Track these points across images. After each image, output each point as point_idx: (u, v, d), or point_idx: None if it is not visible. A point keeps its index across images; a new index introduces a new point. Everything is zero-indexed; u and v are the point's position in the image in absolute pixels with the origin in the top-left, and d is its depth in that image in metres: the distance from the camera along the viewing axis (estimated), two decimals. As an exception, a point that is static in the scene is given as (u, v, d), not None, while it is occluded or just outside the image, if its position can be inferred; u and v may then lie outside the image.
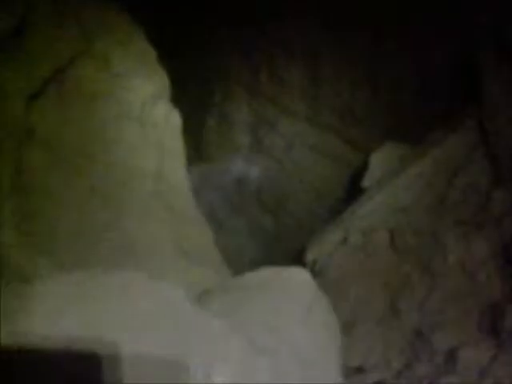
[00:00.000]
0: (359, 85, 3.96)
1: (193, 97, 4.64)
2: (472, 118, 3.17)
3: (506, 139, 2.99)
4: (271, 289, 1.91)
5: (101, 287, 1.45)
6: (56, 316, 1.47)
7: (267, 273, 2.01)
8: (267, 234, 4.13)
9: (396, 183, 3.17)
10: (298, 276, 2.02)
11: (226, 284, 2.01)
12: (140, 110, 2.55)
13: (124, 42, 2.73)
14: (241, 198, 4.16)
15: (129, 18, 2.85)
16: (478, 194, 2.97)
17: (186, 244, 2.22)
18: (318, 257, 3.25)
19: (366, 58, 3.88)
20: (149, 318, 1.40)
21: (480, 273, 2.74)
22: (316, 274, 3.20)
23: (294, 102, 4.15)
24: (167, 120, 2.63)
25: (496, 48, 3.12)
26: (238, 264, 3.18)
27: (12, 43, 2.44)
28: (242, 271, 2.48)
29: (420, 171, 3.14)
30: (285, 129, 4.19)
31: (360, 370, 2.74)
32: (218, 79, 4.50)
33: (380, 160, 3.44)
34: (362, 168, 3.57)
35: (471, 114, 3.20)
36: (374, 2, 3.76)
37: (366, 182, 3.43)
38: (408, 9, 3.62)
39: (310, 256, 3.31)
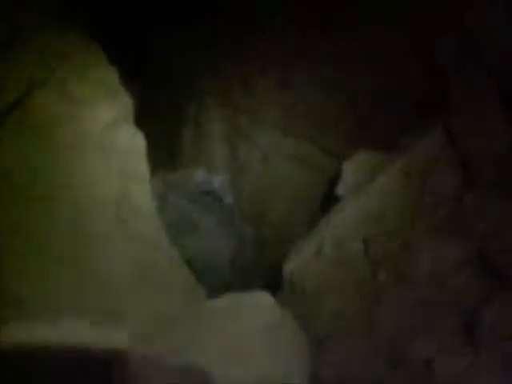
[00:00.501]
0: (333, 93, 3.96)
1: (168, 110, 4.63)
2: (442, 125, 3.16)
3: (474, 142, 2.99)
4: (234, 315, 1.91)
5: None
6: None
7: (232, 299, 2.01)
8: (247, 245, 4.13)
9: (367, 191, 3.16)
10: (262, 301, 2.02)
11: (190, 312, 2.00)
12: (101, 136, 2.54)
13: (84, 66, 2.72)
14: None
15: (89, 42, 2.84)
16: (450, 200, 2.96)
17: (150, 271, 2.21)
18: (295, 268, 3.25)
19: (339, 67, 3.88)
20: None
21: (454, 279, 2.73)
22: (294, 285, 3.20)
23: (268, 112, 4.15)
24: (130, 144, 2.62)
25: (459, 50, 3.12)
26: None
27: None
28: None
29: (391, 178, 3.13)
30: (260, 139, 4.19)
31: (338, 382, 2.73)
32: (193, 92, 4.49)
33: (353, 167, 3.44)
34: (337, 176, 3.56)
35: (441, 120, 3.19)
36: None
37: (340, 191, 3.42)
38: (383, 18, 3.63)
39: (287, 267, 3.30)
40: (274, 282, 3.42)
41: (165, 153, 3.96)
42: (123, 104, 2.70)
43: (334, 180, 3.77)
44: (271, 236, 4.13)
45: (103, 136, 2.51)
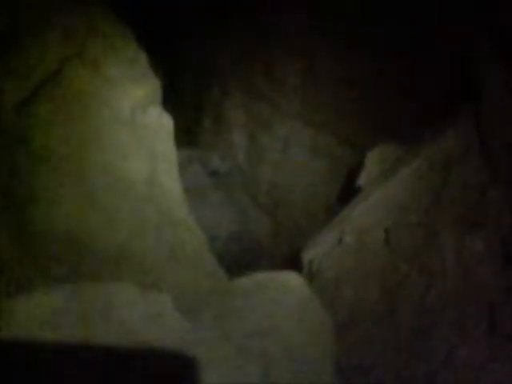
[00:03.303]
0: (355, 84, 3.95)
1: (189, 97, 4.63)
2: (468, 117, 3.15)
3: (502, 138, 2.98)
4: (264, 294, 1.91)
5: (89, 300, 1.43)
6: (44, 328, 1.46)
7: (260, 277, 2.01)
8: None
9: (391, 182, 3.15)
10: (292, 280, 2.02)
11: (219, 289, 2.01)
12: (131, 115, 2.54)
13: (114, 47, 2.72)
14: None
15: (119, 22, 2.84)
16: (475, 192, 2.95)
17: (179, 250, 2.22)
18: (314, 257, 3.25)
19: (362, 57, 3.87)
20: (136, 330, 1.39)
21: (478, 272, 2.73)
22: (313, 274, 3.20)
23: (289, 101, 4.14)
24: (159, 124, 2.62)
25: (494, 47, 3.10)
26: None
27: (1, 48, 2.44)
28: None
29: (415, 170, 3.12)
30: (280, 129, 4.18)
31: (358, 370, 2.73)
32: (215, 79, 4.48)
33: (376, 159, 3.43)
34: (359, 167, 3.55)
35: (467, 112, 3.18)
36: (369, 3, 3.76)
37: (362, 181, 3.42)
38: (404, 8, 3.61)
39: (306, 256, 3.30)
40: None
41: (183, 138, 3.95)
42: (152, 85, 2.70)
43: (353, 171, 3.76)
44: (288, 225, 4.13)
45: (133, 115, 2.52)
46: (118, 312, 1.40)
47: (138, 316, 1.40)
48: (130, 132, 2.47)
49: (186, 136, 4.13)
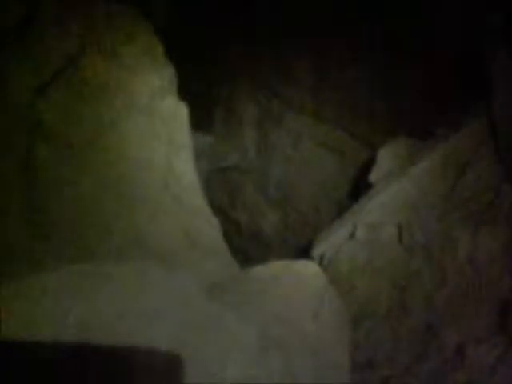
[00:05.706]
0: (367, 80, 3.95)
1: (199, 92, 4.62)
2: (481, 114, 3.15)
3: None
4: (282, 281, 1.90)
5: (113, 277, 1.43)
6: (66, 306, 1.46)
7: (278, 266, 2.01)
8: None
9: (404, 178, 3.15)
10: (309, 269, 2.02)
11: (237, 276, 2.00)
12: (148, 103, 2.54)
13: (132, 36, 2.72)
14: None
15: (136, 12, 2.84)
16: (488, 189, 2.95)
17: (195, 236, 2.21)
18: (325, 251, 3.24)
19: (375, 53, 3.87)
20: (162, 309, 1.38)
21: (490, 269, 2.72)
22: (323, 268, 3.18)
23: (302, 98, 4.14)
24: (175, 113, 2.62)
25: (506, 45, 3.10)
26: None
27: (20, 34, 2.44)
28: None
29: (428, 167, 3.12)
30: (292, 124, 4.18)
31: (368, 365, 2.72)
32: (225, 74, 4.48)
33: (388, 155, 3.42)
34: (370, 163, 3.54)
35: (480, 109, 3.18)
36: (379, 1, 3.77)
37: (374, 177, 3.41)
38: (415, 6, 3.61)
39: (317, 250, 3.30)
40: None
41: (194, 129, 3.95)
42: (168, 74, 2.70)
43: (364, 167, 3.76)
44: (296, 219, 4.12)
45: (150, 103, 2.52)
46: (145, 291, 1.39)
47: (165, 296, 1.40)
48: (147, 120, 2.48)
49: (197, 128, 4.12)
